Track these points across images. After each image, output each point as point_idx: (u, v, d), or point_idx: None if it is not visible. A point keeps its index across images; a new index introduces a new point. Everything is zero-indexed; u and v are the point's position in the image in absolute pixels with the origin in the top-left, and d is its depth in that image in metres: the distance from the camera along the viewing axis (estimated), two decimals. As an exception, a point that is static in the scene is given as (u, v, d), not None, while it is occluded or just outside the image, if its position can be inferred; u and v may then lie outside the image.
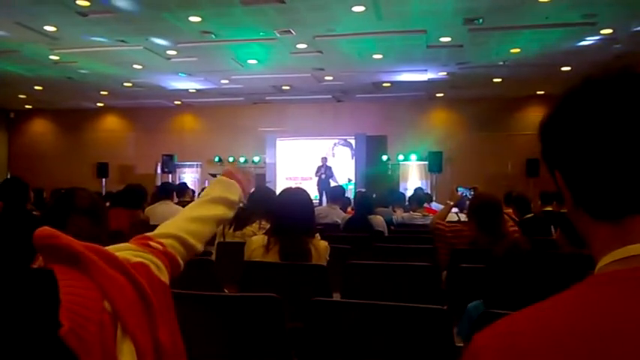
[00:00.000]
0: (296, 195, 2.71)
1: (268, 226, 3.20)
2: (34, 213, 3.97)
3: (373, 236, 4.21)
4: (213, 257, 3.55)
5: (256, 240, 2.64)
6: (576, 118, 0.67)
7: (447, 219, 3.84)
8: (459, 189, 4.33)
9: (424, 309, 1.57)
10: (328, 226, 5.26)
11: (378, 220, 4.72)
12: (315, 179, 13.06)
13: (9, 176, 15.89)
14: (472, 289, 2.12)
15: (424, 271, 2.42)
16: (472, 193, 4.28)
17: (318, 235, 2.71)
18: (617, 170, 0.63)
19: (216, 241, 3.64)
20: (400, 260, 2.87)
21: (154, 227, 4.00)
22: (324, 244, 2.62)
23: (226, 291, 3.35)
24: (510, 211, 5.26)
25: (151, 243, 1.07)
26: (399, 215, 5.67)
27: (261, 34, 8.79)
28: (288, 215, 2.60)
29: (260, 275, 2.47)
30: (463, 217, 4.84)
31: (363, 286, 2.51)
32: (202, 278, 2.53)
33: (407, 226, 5.31)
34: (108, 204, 6.47)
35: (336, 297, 2.65)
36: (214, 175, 13.60)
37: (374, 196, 6.50)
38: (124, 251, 1.00)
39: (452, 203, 4.00)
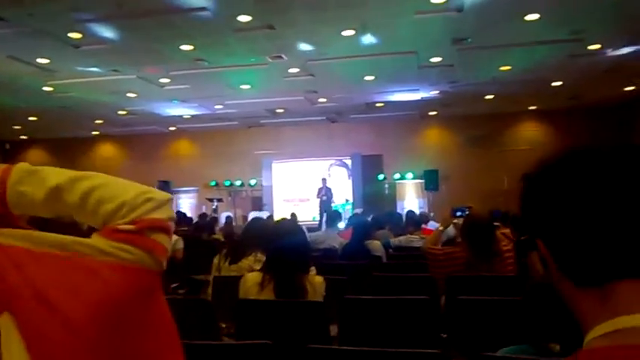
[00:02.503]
0: (289, 231, 2.71)
1: (264, 258, 3.19)
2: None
3: (371, 263, 4.19)
4: (210, 290, 3.52)
5: (251, 277, 2.63)
6: (556, 188, 0.68)
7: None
8: (457, 213, 4.32)
9: (421, 354, 1.56)
10: (326, 251, 5.25)
11: (375, 245, 4.70)
12: (316, 201, 13.07)
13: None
14: (471, 320, 2.11)
15: (421, 305, 2.42)
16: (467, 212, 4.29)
17: (313, 269, 2.70)
18: (598, 236, 0.63)
19: (212, 275, 3.62)
20: (399, 289, 2.85)
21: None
22: (319, 279, 2.61)
23: (223, 325, 3.33)
24: (508, 231, 5.26)
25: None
26: (396, 239, 5.66)
27: (253, 59, 8.86)
28: (281, 252, 2.59)
29: (255, 313, 2.45)
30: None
31: (361, 321, 2.50)
32: (199, 320, 2.51)
33: (405, 250, 5.31)
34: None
35: (334, 330, 2.64)
36: (211, 200, 13.63)
37: (370, 218, 6.50)
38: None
39: (441, 228, 4.01)
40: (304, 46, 8.20)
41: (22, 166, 0.81)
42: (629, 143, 0.68)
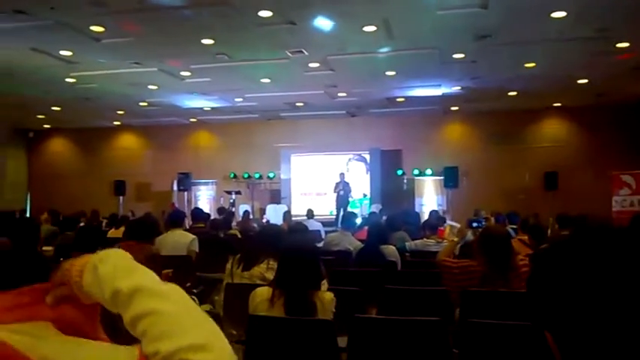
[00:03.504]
0: (301, 247, 2.67)
1: (276, 265, 3.17)
2: (46, 252, 3.99)
3: (385, 270, 4.14)
4: (222, 297, 3.52)
5: (260, 292, 2.61)
6: (561, 286, 0.63)
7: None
8: (473, 224, 4.24)
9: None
10: (340, 254, 5.22)
11: (390, 251, 4.65)
12: (333, 195, 13.03)
13: (29, 196, 16.15)
14: (484, 342, 2.06)
15: (433, 327, 2.37)
16: (484, 223, 4.22)
17: (325, 283, 2.67)
18: (606, 336, 0.59)
19: (224, 282, 3.62)
20: (412, 303, 2.80)
21: (165, 259, 3.97)
22: (329, 296, 2.57)
23: (234, 332, 3.32)
24: (526, 237, 5.17)
25: None
26: (413, 243, 5.59)
27: (274, 54, 8.82)
28: (293, 268, 2.56)
29: (265, 330, 2.44)
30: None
31: (370, 340, 2.46)
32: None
33: (421, 254, 5.25)
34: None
35: (343, 341, 2.60)
36: (229, 193, 13.68)
37: (384, 218, 6.43)
38: None
39: (456, 240, 3.93)
40: (325, 41, 8.12)
41: (93, 262, 0.81)
42: None
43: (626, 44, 8.29)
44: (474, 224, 4.18)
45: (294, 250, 2.65)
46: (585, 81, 10.56)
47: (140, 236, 4.50)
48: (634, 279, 0.60)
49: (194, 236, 5.30)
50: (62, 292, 0.82)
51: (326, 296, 2.56)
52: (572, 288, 0.62)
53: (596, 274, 0.61)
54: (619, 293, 0.59)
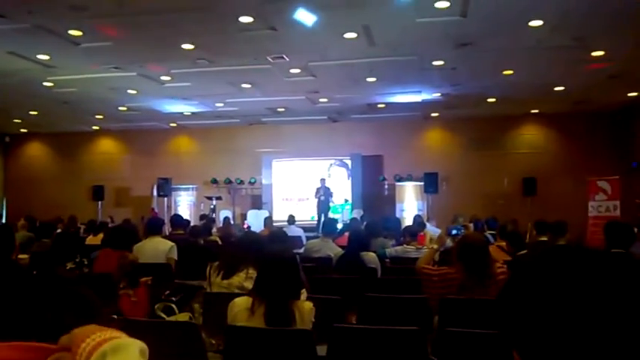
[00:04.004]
0: (282, 256, 2.67)
1: (255, 274, 3.15)
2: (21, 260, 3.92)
3: (365, 277, 4.15)
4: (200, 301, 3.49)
5: (239, 302, 2.59)
6: (531, 307, 0.64)
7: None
8: (452, 231, 4.28)
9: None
10: (320, 260, 5.22)
11: (370, 257, 4.67)
12: (315, 200, 13.03)
13: (5, 201, 15.85)
14: (461, 351, 2.07)
15: (411, 336, 2.38)
16: (463, 231, 4.27)
17: (304, 292, 2.67)
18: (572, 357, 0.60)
19: (205, 287, 3.60)
20: (392, 311, 2.81)
21: (143, 266, 3.92)
22: (308, 306, 2.57)
23: (213, 341, 3.29)
24: (504, 244, 5.23)
25: None
26: (393, 249, 5.62)
27: (255, 60, 8.81)
28: (273, 277, 2.56)
29: (244, 340, 2.42)
30: None
31: (350, 349, 2.46)
32: (186, 344, 2.48)
33: (401, 261, 5.27)
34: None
35: (322, 350, 2.60)
36: (210, 198, 13.59)
37: (364, 224, 6.44)
38: None
39: (436, 247, 3.96)
40: (306, 47, 8.13)
41: (104, 350, 0.80)
42: (605, 252, 0.65)
43: (601, 52, 8.46)
44: (453, 232, 4.21)
45: (275, 258, 2.65)
46: (562, 88, 10.74)
47: (119, 244, 4.46)
48: (605, 303, 0.61)
49: (173, 243, 5.25)
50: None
51: (305, 306, 2.56)
52: (542, 309, 0.63)
53: (567, 297, 0.62)
54: (589, 317, 0.60)
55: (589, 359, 0.59)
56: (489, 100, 11.86)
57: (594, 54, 8.52)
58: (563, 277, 0.63)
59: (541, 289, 0.64)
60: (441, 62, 9.00)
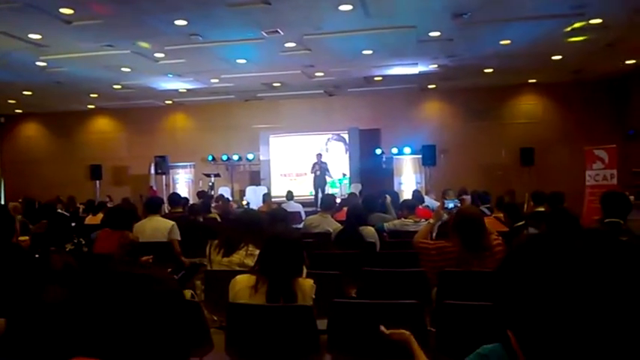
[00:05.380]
0: (286, 238, 2.68)
1: (256, 252, 3.18)
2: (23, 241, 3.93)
3: (364, 252, 4.19)
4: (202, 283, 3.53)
5: (240, 280, 2.62)
6: (529, 288, 0.65)
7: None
8: (449, 205, 4.29)
9: None
10: (319, 236, 5.25)
11: (369, 232, 4.70)
12: (311, 176, 13.03)
13: (2, 182, 15.83)
14: (460, 323, 2.11)
15: (410, 309, 2.41)
16: (459, 205, 4.29)
17: (305, 269, 2.69)
18: (572, 342, 0.61)
19: (206, 265, 3.63)
20: (390, 285, 2.84)
21: (143, 246, 3.96)
22: (309, 283, 2.60)
23: (215, 318, 3.34)
24: (501, 215, 5.25)
25: None
26: (391, 223, 5.64)
27: (249, 34, 8.70)
28: (277, 257, 2.58)
29: (246, 318, 2.46)
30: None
31: (349, 324, 2.50)
32: (189, 321, 2.51)
33: (399, 235, 5.31)
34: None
35: (322, 324, 2.64)
36: (208, 175, 13.59)
37: (360, 200, 6.44)
38: None
39: (432, 222, 3.98)
40: (300, 20, 8.03)
41: None
42: (600, 230, 0.66)
43: (599, 20, 8.37)
44: (450, 205, 4.23)
45: (280, 239, 2.66)
46: (560, 57, 10.66)
47: (118, 224, 4.48)
48: (603, 286, 0.61)
49: (173, 222, 5.26)
50: None
51: (306, 283, 2.59)
52: (539, 291, 0.64)
53: (565, 278, 0.62)
54: (587, 299, 0.61)
55: (585, 341, 0.60)
56: (487, 70, 11.78)
57: (592, 22, 8.43)
58: (558, 258, 0.64)
59: (536, 272, 0.64)
60: (437, 33, 8.91)
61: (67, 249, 4.02)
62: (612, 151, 11.14)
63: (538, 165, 12.69)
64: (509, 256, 0.70)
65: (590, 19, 8.33)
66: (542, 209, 5.75)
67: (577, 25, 8.49)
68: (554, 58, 10.72)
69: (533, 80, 13.25)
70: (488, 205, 6.82)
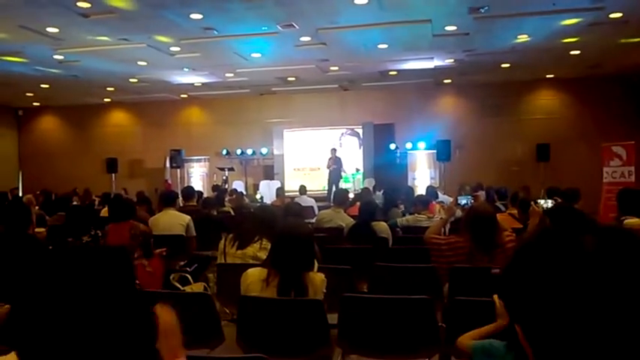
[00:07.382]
0: (298, 232, 2.69)
1: (269, 246, 3.19)
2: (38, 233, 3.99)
3: (376, 247, 4.18)
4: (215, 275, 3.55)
5: (252, 273, 2.63)
6: (537, 283, 0.64)
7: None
8: (462, 202, 4.26)
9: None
10: (332, 230, 5.25)
11: (381, 227, 4.68)
12: (326, 171, 13.03)
13: (21, 175, 16.07)
14: (471, 318, 2.09)
15: (421, 305, 2.40)
16: (472, 201, 4.26)
17: (316, 264, 2.69)
18: (573, 333, 0.60)
19: (218, 259, 3.65)
20: (402, 280, 2.83)
21: (158, 238, 3.99)
22: (320, 278, 2.60)
23: (227, 310, 3.36)
24: (516, 212, 5.20)
25: None
26: (404, 219, 5.62)
27: (264, 28, 8.70)
28: (289, 251, 2.59)
29: (257, 311, 2.47)
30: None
31: (360, 318, 2.50)
32: (201, 315, 2.53)
33: (412, 230, 5.28)
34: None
35: (333, 318, 2.64)
36: (222, 169, 13.65)
37: (381, 192, 6.40)
38: None
39: (445, 217, 3.96)
40: (316, 13, 8.00)
41: None
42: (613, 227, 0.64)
43: (619, 14, 8.22)
44: (463, 201, 4.20)
45: (291, 234, 2.67)
46: (578, 52, 10.51)
47: (119, 216, 4.50)
48: (612, 281, 0.60)
49: (188, 217, 5.30)
50: None
51: (317, 278, 2.60)
52: (547, 285, 0.63)
53: (573, 272, 0.62)
54: (595, 294, 0.60)
55: (592, 335, 0.59)
56: (503, 65, 11.65)
57: (612, 16, 8.29)
58: (567, 257, 0.63)
59: (544, 267, 0.64)
60: (454, 27, 8.83)
61: (84, 241, 4.07)
62: (631, 147, 10.96)
63: (554, 161, 12.55)
64: (518, 250, 0.69)
65: (610, 14, 8.20)
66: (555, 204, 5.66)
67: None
68: (572, 52, 10.57)
69: (551, 75, 13.08)
70: (504, 202, 6.74)
